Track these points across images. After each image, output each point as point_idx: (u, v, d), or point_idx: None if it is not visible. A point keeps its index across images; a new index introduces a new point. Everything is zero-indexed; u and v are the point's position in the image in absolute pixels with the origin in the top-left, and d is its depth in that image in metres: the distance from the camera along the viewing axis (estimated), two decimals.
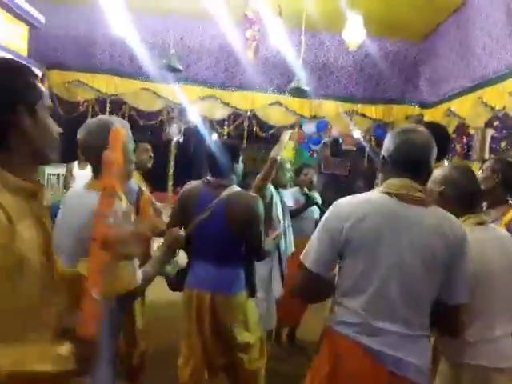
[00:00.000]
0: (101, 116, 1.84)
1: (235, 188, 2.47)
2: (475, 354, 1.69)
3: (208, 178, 2.49)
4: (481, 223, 1.80)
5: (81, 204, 1.63)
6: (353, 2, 4.39)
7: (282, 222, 3.33)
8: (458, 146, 5.47)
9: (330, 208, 1.63)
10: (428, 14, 4.81)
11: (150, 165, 3.49)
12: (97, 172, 1.74)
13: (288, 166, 3.66)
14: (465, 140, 5.42)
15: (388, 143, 1.62)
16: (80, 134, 1.76)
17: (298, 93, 4.97)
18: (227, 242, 2.40)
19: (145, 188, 3.20)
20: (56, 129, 1.13)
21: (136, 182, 3.16)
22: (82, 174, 4.44)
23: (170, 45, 4.55)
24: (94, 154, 1.69)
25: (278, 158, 2.95)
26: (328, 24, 5.22)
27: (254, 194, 2.51)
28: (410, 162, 1.56)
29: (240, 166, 2.58)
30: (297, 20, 4.10)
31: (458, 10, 4.59)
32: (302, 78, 4.27)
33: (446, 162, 5.56)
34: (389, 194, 1.55)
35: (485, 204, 2.47)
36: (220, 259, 2.37)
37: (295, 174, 4.07)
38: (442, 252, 1.52)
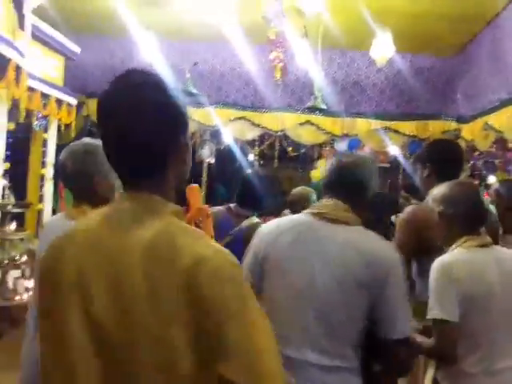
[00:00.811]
0: (86, 140, 1.69)
1: (255, 219, 2.52)
2: None
3: (231, 205, 2.54)
4: (483, 245, 1.68)
5: (59, 233, 1.61)
6: (381, 19, 4.34)
7: None
8: (497, 161, 5.26)
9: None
10: (461, 27, 4.69)
11: None
12: (79, 200, 1.64)
13: (314, 197, 3.58)
14: (505, 154, 5.21)
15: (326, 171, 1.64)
16: (67, 161, 1.63)
17: (317, 111, 4.92)
18: None
19: None
20: None
21: None
22: None
23: (194, 70, 4.62)
24: (82, 181, 1.60)
25: None
26: (358, 42, 5.18)
27: None
28: (339, 184, 1.53)
29: (272, 199, 2.62)
30: (323, 39, 4.09)
31: (491, 21, 4.45)
32: (320, 97, 4.22)
33: (492, 178, 5.34)
34: (312, 213, 1.51)
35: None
36: None
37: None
38: (360, 271, 1.38)
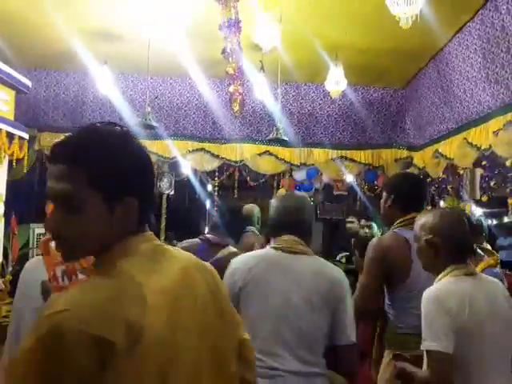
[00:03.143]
0: None
1: (232, 249, 2.49)
2: None
3: (206, 235, 2.50)
4: (469, 274, 1.70)
5: (40, 273, 1.56)
6: (334, 54, 4.51)
7: None
8: (449, 187, 5.48)
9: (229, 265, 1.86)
10: (408, 61, 4.94)
11: None
12: None
13: (257, 210, 3.81)
14: (456, 180, 5.44)
15: (270, 210, 1.92)
16: None
17: (279, 143, 5.03)
18: None
19: None
20: None
21: None
22: None
23: (154, 103, 4.62)
24: None
25: None
26: (311, 75, 5.36)
27: None
28: (287, 223, 1.85)
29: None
30: (278, 73, 4.20)
31: (436, 55, 4.72)
32: (281, 129, 4.31)
33: (442, 203, 5.55)
34: (275, 248, 1.81)
35: None
36: None
37: None
38: (325, 292, 1.71)
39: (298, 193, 2.05)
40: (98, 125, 0.97)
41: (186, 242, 2.55)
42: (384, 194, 2.33)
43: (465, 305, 1.59)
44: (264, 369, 1.59)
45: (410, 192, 2.25)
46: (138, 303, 0.81)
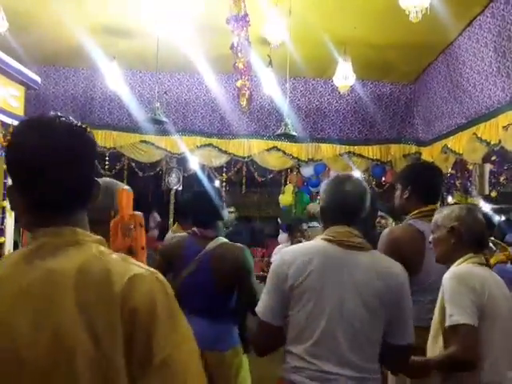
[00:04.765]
0: (104, 178, 1.68)
1: (221, 239, 2.42)
2: None
3: (194, 228, 2.45)
4: (484, 264, 1.82)
5: None
6: (342, 48, 4.50)
7: None
8: (457, 182, 5.45)
9: (277, 256, 1.72)
10: (417, 56, 4.90)
11: None
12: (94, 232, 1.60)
13: None
14: (464, 175, 5.41)
15: (323, 194, 1.74)
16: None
17: (287, 138, 5.02)
18: (215, 296, 2.32)
19: None
20: None
21: None
22: None
23: (162, 99, 4.63)
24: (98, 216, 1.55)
25: None
26: (320, 70, 5.34)
27: (242, 245, 2.46)
28: (345, 212, 1.67)
29: (226, 214, 2.56)
30: (287, 68, 4.19)
31: (446, 49, 4.68)
32: (289, 124, 4.30)
33: (450, 198, 5.51)
34: (330, 240, 1.63)
35: None
36: (210, 314, 2.28)
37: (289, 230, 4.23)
38: (383, 292, 1.58)
39: (355, 176, 1.88)
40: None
41: (175, 237, 2.54)
42: (399, 185, 2.31)
43: (485, 287, 1.70)
44: (317, 372, 1.54)
45: (429, 184, 2.26)
46: None
